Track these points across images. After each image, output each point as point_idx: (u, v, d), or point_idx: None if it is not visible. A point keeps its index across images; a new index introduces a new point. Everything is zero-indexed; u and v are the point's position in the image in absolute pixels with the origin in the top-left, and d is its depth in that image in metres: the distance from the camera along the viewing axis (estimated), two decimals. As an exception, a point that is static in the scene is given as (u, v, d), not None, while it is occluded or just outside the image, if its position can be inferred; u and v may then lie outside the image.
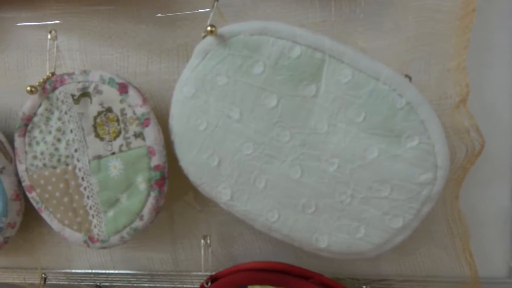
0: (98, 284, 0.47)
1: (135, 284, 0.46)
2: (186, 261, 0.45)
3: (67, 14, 0.43)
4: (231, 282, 0.41)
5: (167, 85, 0.41)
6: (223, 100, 0.37)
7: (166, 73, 0.42)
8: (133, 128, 0.38)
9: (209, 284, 0.42)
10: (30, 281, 0.51)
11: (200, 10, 0.40)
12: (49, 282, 0.49)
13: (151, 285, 0.46)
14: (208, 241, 0.43)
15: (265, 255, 0.43)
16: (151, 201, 0.39)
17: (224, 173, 0.38)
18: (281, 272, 0.41)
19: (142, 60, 0.42)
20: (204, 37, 0.38)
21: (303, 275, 0.41)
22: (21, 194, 0.45)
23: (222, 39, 0.37)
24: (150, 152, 0.38)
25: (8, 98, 0.47)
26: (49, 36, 0.42)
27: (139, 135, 0.38)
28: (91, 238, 0.42)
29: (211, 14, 0.37)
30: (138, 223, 0.40)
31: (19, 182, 0.45)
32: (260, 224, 0.38)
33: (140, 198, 0.39)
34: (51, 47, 0.42)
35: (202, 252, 0.42)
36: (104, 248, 0.41)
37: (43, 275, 0.49)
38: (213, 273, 0.41)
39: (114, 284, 0.47)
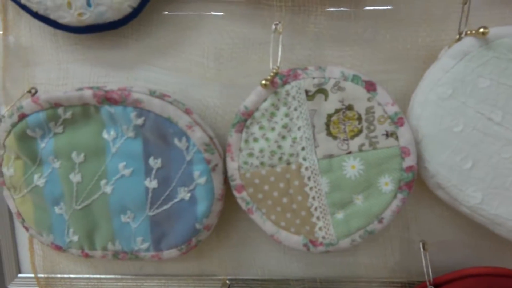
0: (297, 291, 0.47)
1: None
2: (396, 266, 0.46)
3: (290, 10, 0.44)
4: (460, 288, 0.43)
5: (396, 86, 0.43)
6: (483, 102, 0.39)
7: (396, 73, 0.43)
8: (384, 127, 0.40)
9: None
10: None
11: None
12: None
13: (359, 292, 0.46)
14: (426, 246, 0.44)
15: (483, 260, 0.45)
16: (396, 203, 0.40)
17: (476, 176, 0.40)
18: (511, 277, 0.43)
19: (372, 60, 0.44)
20: (460, 38, 0.40)
21: (532, 281, 0.43)
22: (224, 194, 0.45)
23: (485, 42, 0.39)
24: (404, 153, 0.40)
25: (205, 91, 0.48)
26: (273, 28, 0.42)
27: (391, 135, 0.40)
28: (313, 242, 0.43)
29: (461, 18, 0.40)
30: (375, 226, 0.41)
31: (224, 181, 0.44)
32: (508, 229, 0.40)
33: (382, 200, 0.41)
34: (275, 40, 0.42)
35: (423, 257, 0.43)
36: (328, 252, 0.43)
37: (227, 281, 0.48)
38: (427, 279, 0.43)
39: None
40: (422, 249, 0.45)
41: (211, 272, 0.51)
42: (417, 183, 0.42)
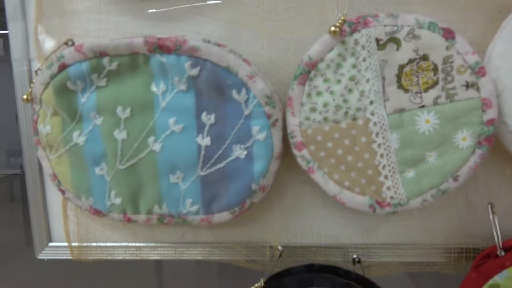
0: (355, 257, 0.44)
1: (402, 259, 0.44)
2: (460, 230, 0.44)
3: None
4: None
5: (470, 36, 0.40)
6: None
7: (471, 23, 0.41)
8: (464, 77, 0.38)
9: (503, 253, 0.41)
10: (247, 257, 0.47)
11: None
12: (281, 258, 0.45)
13: (423, 259, 0.44)
14: (494, 210, 0.42)
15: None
16: (474, 159, 0.38)
17: (559, 130, 0.37)
18: None
19: (446, 9, 0.42)
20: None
21: None
22: (283, 152, 0.42)
23: None
24: (485, 105, 0.37)
25: (259, 44, 0.45)
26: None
27: (472, 86, 0.37)
28: (380, 202, 0.41)
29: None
30: (450, 184, 0.39)
31: (283, 138, 0.41)
32: None
33: (458, 156, 0.39)
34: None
35: (491, 220, 0.41)
36: (396, 213, 0.40)
37: (279, 247, 0.45)
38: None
39: (375, 259, 0.44)
40: (490, 212, 0.43)
41: (261, 239, 0.48)
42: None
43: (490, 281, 0.43)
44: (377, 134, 0.41)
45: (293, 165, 0.45)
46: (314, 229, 0.47)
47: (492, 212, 0.44)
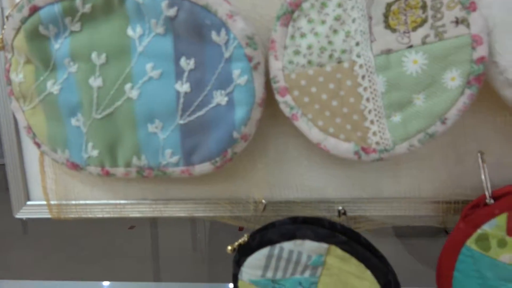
0: (340, 208, 0.43)
1: (389, 213, 0.43)
2: (448, 181, 0.43)
3: None
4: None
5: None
6: None
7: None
8: (454, 13, 0.36)
9: (492, 201, 0.40)
10: (231, 213, 0.46)
11: None
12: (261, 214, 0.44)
13: (410, 212, 0.43)
14: (484, 158, 0.40)
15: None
16: (463, 100, 0.37)
17: (551, 70, 0.36)
18: None
19: None
20: None
21: None
22: (266, 101, 0.40)
23: None
24: (475, 41, 0.36)
25: None
26: None
27: (462, 21, 0.35)
28: (365, 149, 0.39)
29: None
30: (437, 128, 0.38)
31: (266, 85, 0.40)
32: None
33: (447, 97, 0.37)
34: None
35: (481, 169, 0.40)
36: (381, 159, 0.38)
37: (263, 201, 0.44)
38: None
39: (361, 212, 0.43)
40: (480, 160, 0.42)
41: (245, 194, 0.46)
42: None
43: (479, 231, 0.41)
44: (363, 77, 0.39)
45: (276, 116, 0.43)
46: (298, 182, 0.46)
47: (482, 160, 0.42)
